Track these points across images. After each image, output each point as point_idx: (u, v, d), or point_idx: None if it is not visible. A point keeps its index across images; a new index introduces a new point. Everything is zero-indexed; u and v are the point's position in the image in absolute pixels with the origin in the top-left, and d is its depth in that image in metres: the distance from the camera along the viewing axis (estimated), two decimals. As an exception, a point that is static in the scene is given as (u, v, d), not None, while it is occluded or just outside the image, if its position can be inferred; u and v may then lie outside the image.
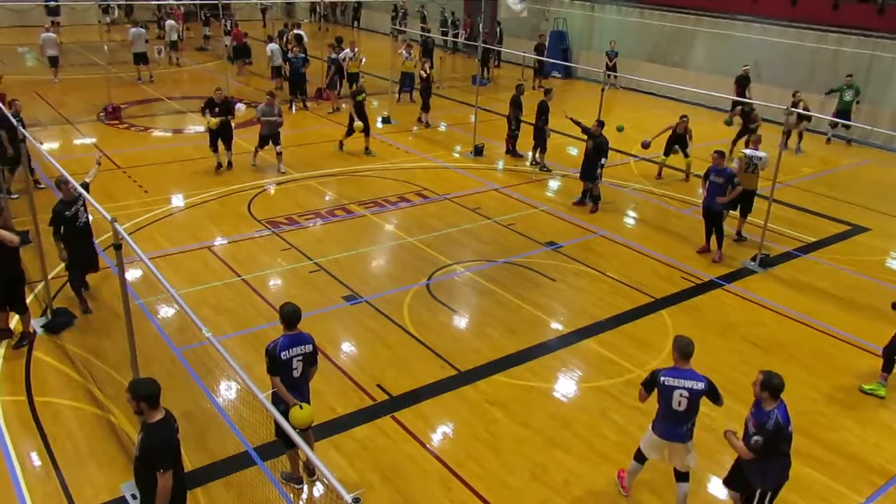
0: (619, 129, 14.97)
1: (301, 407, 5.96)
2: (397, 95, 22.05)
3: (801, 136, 18.82)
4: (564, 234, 12.80)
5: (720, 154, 11.68)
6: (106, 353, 8.69)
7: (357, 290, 10.44)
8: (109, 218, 6.12)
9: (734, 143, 17.54)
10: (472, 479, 6.98)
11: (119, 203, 12.97)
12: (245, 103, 20.43)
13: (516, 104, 16.64)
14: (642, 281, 11.17)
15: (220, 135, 14.99)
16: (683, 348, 6.13)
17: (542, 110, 15.77)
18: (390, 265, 11.58)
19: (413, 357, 8.95)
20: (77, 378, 8.23)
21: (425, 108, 19.80)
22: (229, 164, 15.34)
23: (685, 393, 6.05)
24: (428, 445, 7.44)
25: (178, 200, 13.50)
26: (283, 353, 6.22)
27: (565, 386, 8.57)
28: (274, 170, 15.25)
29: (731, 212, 12.52)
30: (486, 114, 19.92)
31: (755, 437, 5.78)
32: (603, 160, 13.61)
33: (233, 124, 15.27)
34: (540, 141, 16.19)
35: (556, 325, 9.88)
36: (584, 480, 7.05)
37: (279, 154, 15.26)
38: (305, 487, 6.82)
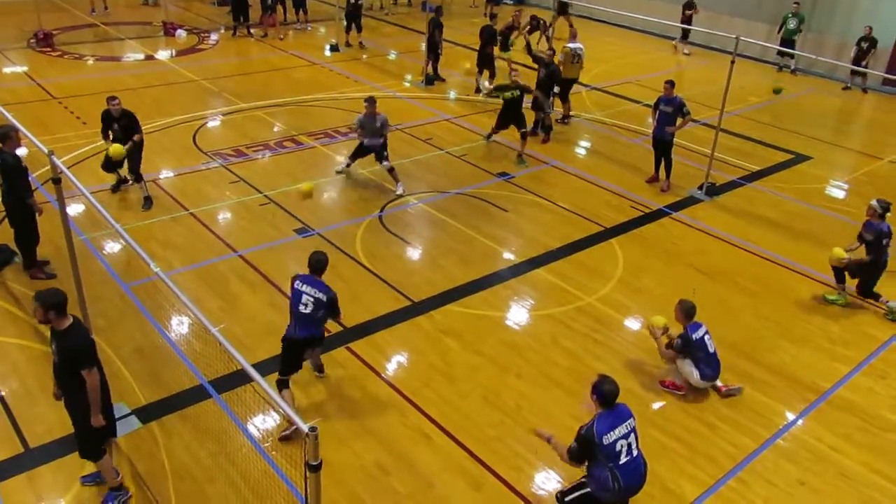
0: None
1: None
2: (345, 22, 21.38)
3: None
4: (516, 165, 12.81)
5: (671, 84, 11.73)
6: (51, 290, 8.47)
7: (308, 223, 10.33)
8: (46, 150, 5.88)
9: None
10: (426, 406, 7.13)
11: (56, 135, 12.46)
12: (185, 30, 19.61)
13: (437, 25, 16.30)
14: (593, 210, 11.31)
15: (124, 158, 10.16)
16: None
17: (488, 36, 15.54)
18: (342, 197, 11.46)
19: (366, 288, 8.97)
20: (22, 315, 8.04)
21: (357, 29, 19.55)
22: (147, 200, 10.61)
23: None
24: (383, 375, 7.55)
25: (118, 132, 12.98)
26: (296, 282, 6.77)
27: (517, 314, 8.74)
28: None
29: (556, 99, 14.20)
30: (437, 42, 19.49)
31: (572, 443, 5.43)
32: (555, 89, 13.55)
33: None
34: (488, 66, 15.97)
35: (509, 255, 9.99)
36: (536, 404, 7.27)
37: (390, 171, 11.48)
38: (263, 419, 6.89)
